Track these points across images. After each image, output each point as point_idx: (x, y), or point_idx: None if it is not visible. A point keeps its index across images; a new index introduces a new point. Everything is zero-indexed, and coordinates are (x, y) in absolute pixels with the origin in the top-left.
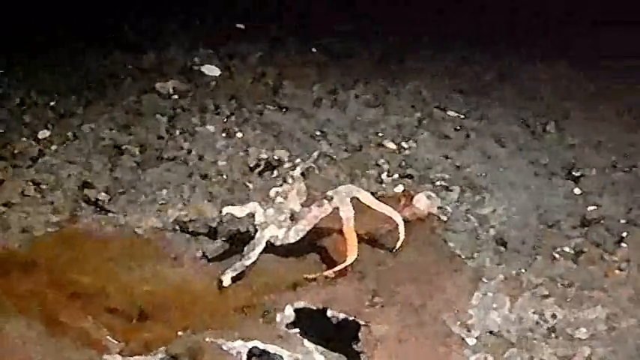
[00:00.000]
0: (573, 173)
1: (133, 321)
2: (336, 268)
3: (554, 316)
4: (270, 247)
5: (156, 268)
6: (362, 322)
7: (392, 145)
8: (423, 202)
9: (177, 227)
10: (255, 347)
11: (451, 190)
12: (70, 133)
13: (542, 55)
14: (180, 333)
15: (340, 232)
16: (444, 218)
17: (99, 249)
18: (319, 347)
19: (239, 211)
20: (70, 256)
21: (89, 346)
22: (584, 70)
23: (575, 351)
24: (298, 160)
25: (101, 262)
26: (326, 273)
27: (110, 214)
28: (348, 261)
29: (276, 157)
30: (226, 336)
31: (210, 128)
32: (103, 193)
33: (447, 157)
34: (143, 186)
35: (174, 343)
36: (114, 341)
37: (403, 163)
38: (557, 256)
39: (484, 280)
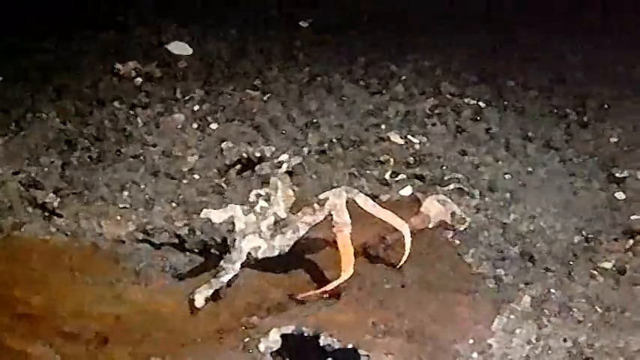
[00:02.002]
0: (615, 174)
1: (91, 347)
2: (329, 287)
3: (590, 345)
4: (250, 261)
5: (116, 285)
6: (361, 352)
7: (398, 139)
8: (434, 209)
9: (140, 236)
10: None
11: (469, 194)
12: (13, 124)
13: (579, 30)
14: None
15: (334, 243)
16: (460, 228)
17: (49, 261)
18: None
19: (217, 215)
20: (15, 270)
21: None
22: (629, 49)
23: None
24: (284, 157)
25: (52, 277)
26: (317, 292)
27: (61, 220)
28: (343, 278)
29: (257, 153)
30: None
31: (179, 118)
32: (52, 195)
33: (463, 154)
34: (99, 187)
35: None
36: None
37: (411, 161)
38: (595, 273)
39: (507, 302)
